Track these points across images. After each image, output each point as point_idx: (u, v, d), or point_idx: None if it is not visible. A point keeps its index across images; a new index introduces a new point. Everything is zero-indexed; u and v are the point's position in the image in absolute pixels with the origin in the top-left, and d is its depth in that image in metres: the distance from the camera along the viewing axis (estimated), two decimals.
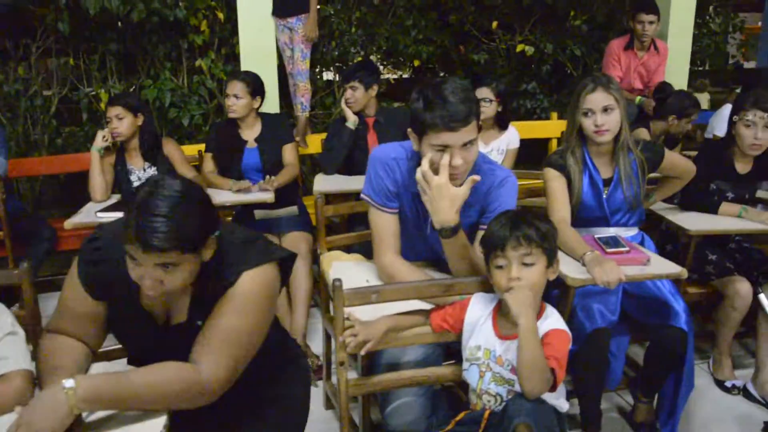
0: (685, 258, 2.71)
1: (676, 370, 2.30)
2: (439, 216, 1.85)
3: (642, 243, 2.52)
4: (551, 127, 4.72)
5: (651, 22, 4.27)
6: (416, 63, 5.36)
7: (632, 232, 2.52)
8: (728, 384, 2.81)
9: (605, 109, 2.32)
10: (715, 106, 5.58)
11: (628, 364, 2.80)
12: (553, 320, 1.65)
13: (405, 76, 6.77)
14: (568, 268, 2.07)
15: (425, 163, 1.84)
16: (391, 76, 5.72)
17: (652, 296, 2.31)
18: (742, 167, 2.84)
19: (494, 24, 5.26)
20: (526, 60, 5.30)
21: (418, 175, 1.84)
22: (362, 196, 2.05)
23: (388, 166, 1.99)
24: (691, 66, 5.91)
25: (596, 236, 2.28)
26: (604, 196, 2.44)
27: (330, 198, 3.24)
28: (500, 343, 1.66)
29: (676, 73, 4.84)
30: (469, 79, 3.52)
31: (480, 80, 3.50)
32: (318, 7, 4.22)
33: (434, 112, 1.77)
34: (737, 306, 2.67)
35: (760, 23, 9.91)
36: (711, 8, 5.83)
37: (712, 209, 2.74)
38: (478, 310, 1.74)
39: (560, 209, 2.37)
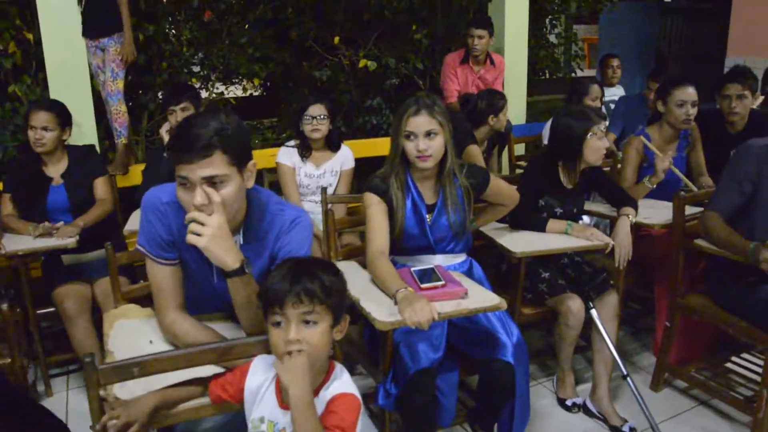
0: (518, 278, 2.61)
1: (510, 400, 2.17)
2: (229, 259, 1.58)
3: (470, 270, 2.40)
4: None
5: (481, 37, 4.28)
6: (256, 81, 5.07)
7: (460, 258, 2.39)
8: (569, 402, 2.75)
9: (428, 134, 2.18)
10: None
11: (467, 394, 2.67)
12: (340, 383, 1.42)
13: (256, 93, 6.46)
14: (379, 311, 1.87)
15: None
16: (233, 96, 5.39)
17: (478, 328, 2.18)
18: (569, 181, 2.79)
19: (336, 39, 5.07)
20: (370, 75, 5.17)
21: (187, 218, 1.57)
22: (137, 246, 1.74)
23: (160, 211, 1.70)
24: (532, 76, 6.06)
25: (413, 269, 2.11)
26: (428, 224, 2.28)
27: None
28: (284, 414, 1.41)
29: (515, 83, 4.88)
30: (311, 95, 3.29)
31: (315, 97, 3.30)
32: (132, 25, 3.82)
33: (175, 142, 1.55)
34: (571, 324, 2.61)
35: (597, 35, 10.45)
36: (547, 21, 5.97)
37: (540, 227, 2.66)
38: (260, 376, 1.48)
39: (377, 239, 2.18)
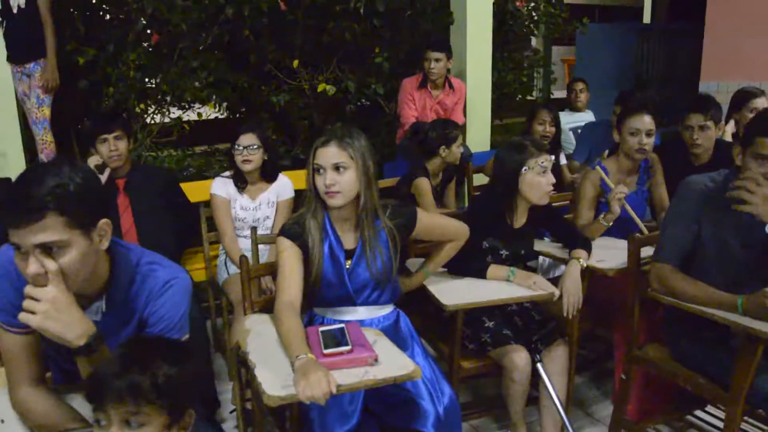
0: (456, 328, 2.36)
1: None
2: (70, 336, 1.33)
3: (396, 323, 2.16)
4: None
5: (438, 60, 4.10)
6: (210, 106, 4.84)
7: (385, 310, 2.15)
8: None
9: (337, 167, 1.95)
10: None
11: None
12: None
13: (218, 115, 6.19)
14: (272, 381, 1.62)
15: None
16: (193, 119, 5.14)
17: (398, 392, 1.93)
18: (516, 220, 2.56)
19: (295, 63, 4.86)
20: (330, 100, 4.95)
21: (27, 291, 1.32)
22: None
23: (9, 272, 1.45)
24: (503, 100, 5.87)
25: (321, 329, 1.85)
26: (346, 271, 2.03)
27: None
28: None
29: (478, 108, 4.69)
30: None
31: (247, 126, 3.08)
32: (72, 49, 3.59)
33: (3, 202, 1.32)
34: (516, 379, 2.37)
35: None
36: (514, 44, 5.80)
37: (480, 273, 2.41)
38: None
39: (287, 289, 1.95)
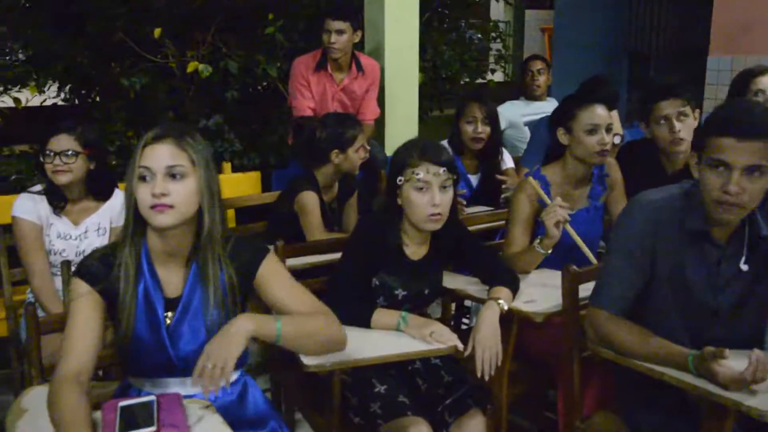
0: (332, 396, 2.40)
1: None
2: None
3: (243, 394, 2.17)
4: (243, 182, 4.36)
5: (340, 32, 4.16)
6: (32, 90, 4.78)
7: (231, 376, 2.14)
8: None
9: (172, 173, 1.93)
10: None
11: None
12: None
13: (56, 101, 6.08)
14: None
15: None
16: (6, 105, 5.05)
17: None
18: (415, 250, 2.60)
19: (157, 32, 4.83)
20: (206, 83, 4.96)
21: None
22: None
23: None
24: (445, 85, 5.99)
25: (122, 404, 1.84)
26: (166, 329, 2.02)
27: None
28: None
29: (401, 96, 4.76)
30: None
31: (61, 126, 3.05)
32: None
33: None
34: None
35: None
36: (460, 19, 5.93)
37: (362, 321, 2.45)
38: None
39: (72, 354, 1.91)
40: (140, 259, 2.03)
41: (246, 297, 2.13)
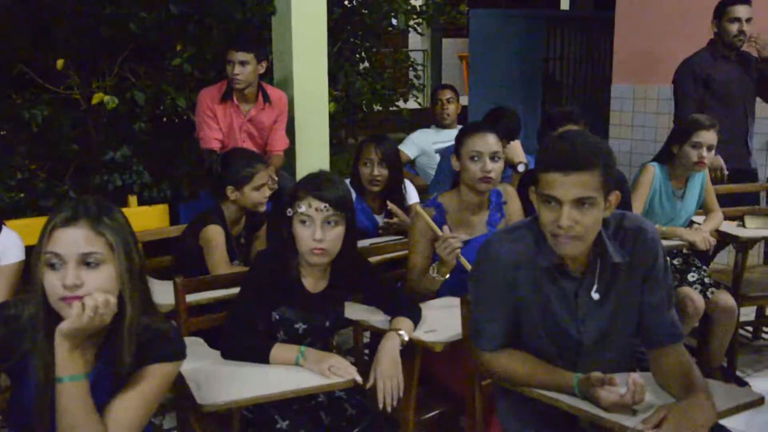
0: None
1: None
2: None
3: None
4: (150, 216, 4.28)
5: (243, 63, 4.18)
6: None
7: None
8: None
9: (86, 261, 1.80)
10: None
11: None
12: None
13: None
14: None
15: None
16: None
17: None
18: (314, 283, 2.61)
19: (60, 63, 4.74)
20: (113, 115, 4.87)
21: None
22: None
23: None
24: (355, 113, 6.01)
25: None
26: None
27: None
28: None
29: (312, 126, 4.78)
30: None
31: None
32: None
33: None
34: None
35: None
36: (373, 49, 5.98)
37: (262, 356, 2.43)
38: None
39: None
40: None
41: None
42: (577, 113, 3.45)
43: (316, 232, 2.44)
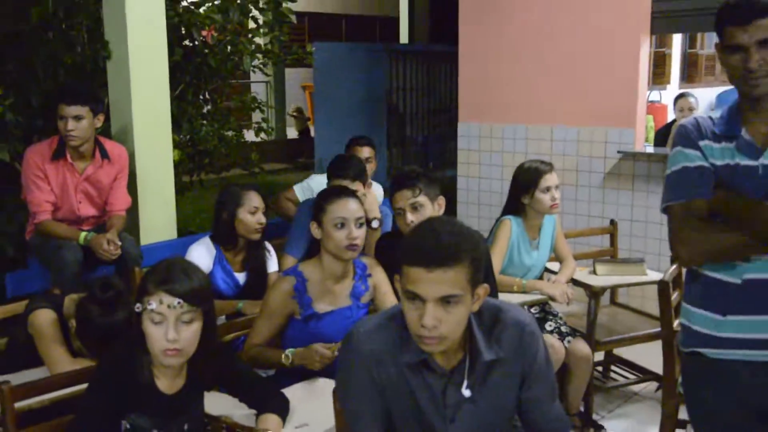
0: None
1: None
2: None
3: None
4: None
5: (78, 117, 3.86)
6: None
7: None
8: None
9: None
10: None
11: None
12: None
13: None
14: None
15: None
16: None
17: None
18: (169, 383, 2.34)
19: None
20: None
21: None
22: None
23: None
24: (201, 158, 5.74)
25: None
26: None
27: None
28: None
29: (155, 180, 4.55)
30: None
31: None
32: None
33: None
34: None
35: None
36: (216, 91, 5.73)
37: None
38: None
39: None
40: None
41: None
42: (412, 177, 3.40)
43: (169, 332, 2.16)
